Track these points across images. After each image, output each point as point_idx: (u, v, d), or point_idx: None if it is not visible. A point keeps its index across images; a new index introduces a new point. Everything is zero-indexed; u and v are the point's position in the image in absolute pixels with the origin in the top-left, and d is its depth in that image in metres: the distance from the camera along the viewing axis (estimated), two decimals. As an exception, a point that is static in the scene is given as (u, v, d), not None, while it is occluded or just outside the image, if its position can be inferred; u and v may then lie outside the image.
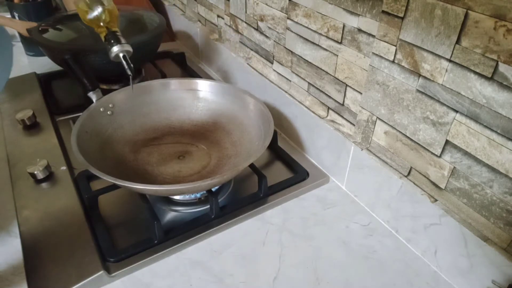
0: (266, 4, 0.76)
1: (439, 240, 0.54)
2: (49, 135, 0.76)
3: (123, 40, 0.61)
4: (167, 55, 1.13)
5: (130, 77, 0.62)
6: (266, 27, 0.79)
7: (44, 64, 1.03)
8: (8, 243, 0.56)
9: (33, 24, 0.93)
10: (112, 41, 0.60)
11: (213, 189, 0.62)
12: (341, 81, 0.64)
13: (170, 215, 0.63)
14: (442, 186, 0.53)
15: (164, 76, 0.97)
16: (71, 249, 0.54)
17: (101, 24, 0.61)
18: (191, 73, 1.05)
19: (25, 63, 1.07)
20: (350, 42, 0.60)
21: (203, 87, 0.77)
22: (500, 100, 0.43)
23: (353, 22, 0.58)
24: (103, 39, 0.61)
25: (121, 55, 0.61)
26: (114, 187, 0.62)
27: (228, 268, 0.56)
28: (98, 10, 0.60)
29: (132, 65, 0.62)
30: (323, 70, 0.67)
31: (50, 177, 0.66)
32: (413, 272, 0.56)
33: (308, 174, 0.71)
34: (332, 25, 0.62)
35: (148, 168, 0.68)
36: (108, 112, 0.71)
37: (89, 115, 0.67)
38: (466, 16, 0.43)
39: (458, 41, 0.45)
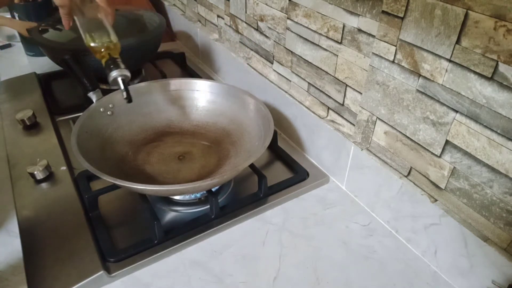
0: (266, 4, 0.76)
1: (439, 240, 0.54)
2: (49, 135, 0.76)
3: (122, 66, 0.61)
4: (167, 55, 1.13)
5: (126, 101, 0.62)
6: (266, 27, 0.79)
7: (44, 64, 1.03)
8: (8, 243, 0.56)
9: (33, 24, 0.93)
10: (112, 66, 0.61)
11: (213, 189, 0.62)
12: (341, 81, 0.64)
13: (170, 215, 0.63)
14: (442, 186, 0.53)
15: (164, 76, 0.97)
16: (71, 249, 0.54)
17: (102, 50, 0.62)
18: (191, 73, 1.05)
19: (25, 63, 1.07)
20: (350, 42, 0.60)
21: (203, 87, 0.77)
22: (500, 100, 0.43)
23: (353, 22, 0.58)
24: (103, 64, 0.62)
25: (119, 79, 0.61)
26: (114, 187, 0.62)
27: (228, 268, 0.56)
28: (103, 43, 0.62)
29: (129, 91, 0.62)
30: (323, 70, 0.67)
31: (50, 177, 0.66)
32: (413, 272, 0.56)
33: (308, 174, 0.71)
34: (332, 25, 0.62)
35: (148, 168, 0.68)
36: (108, 112, 0.71)
37: (89, 115, 0.67)
38: (466, 16, 0.43)
39: (458, 41, 0.45)
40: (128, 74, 0.62)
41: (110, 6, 0.63)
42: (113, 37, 0.62)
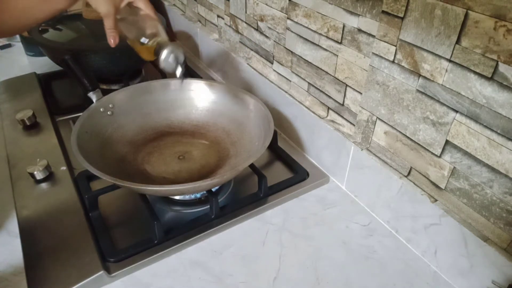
0: (266, 4, 0.76)
1: (439, 240, 0.54)
2: (49, 135, 0.76)
3: (170, 44, 0.57)
4: (167, 55, 1.13)
5: (181, 80, 0.57)
6: (266, 27, 0.79)
7: (44, 64, 1.03)
8: (8, 243, 0.57)
9: (33, 24, 0.93)
10: (159, 49, 0.56)
11: (213, 189, 0.62)
12: (341, 81, 0.64)
13: (170, 215, 0.63)
14: (442, 186, 0.53)
15: (164, 76, 0.97)
16: (71, 249, 0.54)
17: (151, 44, 0.58)
18: (191, 73, 1.05)
19: (25, 63, 1.07)
20: (350, 42, 0.60)
21: (203, 87, 0.77)
22: (500, 100, 0.43)
23: (353, 22, 0.58)
24: (153, 54, 0.58)
25: (171, 56, 0.56)
26: (114, 187, 0.62)
27: (228, 268, 0.56)
28: (154, 42, 0.58)
29: (183, 67, 0.57)
30: (323, 70, 0.67)
31: (50, 177, 0.66)
32: (413, 272, 0.56)
33: (308, 174, 0.71)
34: (332, 25, 0.62)
35: (148, 168, 0.68)
36: (108, 112, 0.71)
37: (89, 115, 0.67)
38: (466, 16, 0.43)
39: (458, 41, 0.45)
40: (178, 49, 0.57)
41: (156, 14, 0.61)
42: (164, 35, 0.59)
